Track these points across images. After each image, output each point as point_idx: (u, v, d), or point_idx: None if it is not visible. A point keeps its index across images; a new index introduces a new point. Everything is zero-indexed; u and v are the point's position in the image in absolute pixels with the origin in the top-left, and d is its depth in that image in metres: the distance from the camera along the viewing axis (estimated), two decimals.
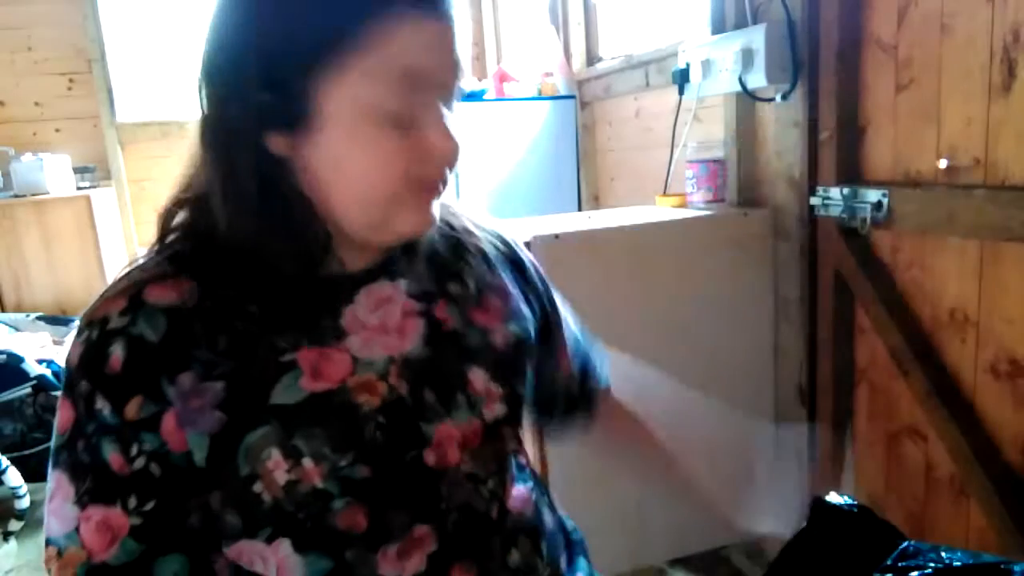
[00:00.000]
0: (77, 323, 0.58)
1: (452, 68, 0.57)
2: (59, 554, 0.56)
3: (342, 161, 0.56)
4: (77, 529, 0.55)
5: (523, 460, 0.72)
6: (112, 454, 0.55)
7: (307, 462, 0.56)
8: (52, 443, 0.58)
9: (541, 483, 0.75)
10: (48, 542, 0.57)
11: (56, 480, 0.57)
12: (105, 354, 0.55)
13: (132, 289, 0.57)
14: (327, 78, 0.54)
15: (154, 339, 0.55)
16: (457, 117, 0.60)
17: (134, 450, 0.55)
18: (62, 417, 0.57)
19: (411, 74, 0.54)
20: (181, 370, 0.56)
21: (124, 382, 0.55)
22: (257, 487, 0.56)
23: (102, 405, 0.55)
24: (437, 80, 0.57)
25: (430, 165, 0.58)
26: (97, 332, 0.55)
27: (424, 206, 0.60)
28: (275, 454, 0.56)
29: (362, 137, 0.55)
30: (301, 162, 0.57)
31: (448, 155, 0.58)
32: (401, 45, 0.54)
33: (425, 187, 0.59)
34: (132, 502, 0.56)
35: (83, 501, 0.55)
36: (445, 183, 0.61)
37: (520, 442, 0.73)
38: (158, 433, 0.55)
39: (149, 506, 0.56)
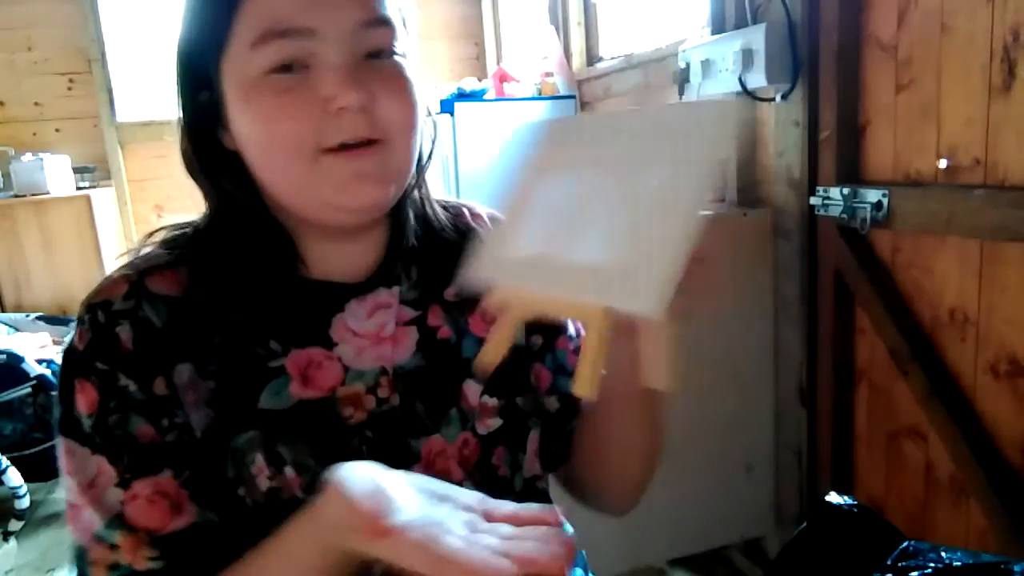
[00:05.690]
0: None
1: (332, 15, 0.53)
2: (112, 547, 0.53)
3: (247, 136, 0.56)
4: (121, 515, 0.53)
5: (543, 485, 0.68)
6: (141, 427, 0.54)
7: (289, 471, 0.56)
8: (82, 426, 0.54)
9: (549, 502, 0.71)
10: (98, 539, 0.53)
11: (97, 465, 0.54)
12: (114, 334, 0.55)
13: (133, 276, 0.57)
14: (226, 62, 0.55)
15: (158, 324, 0.56)
16: (390, 70, 0.55)
17: (165, 423, 0.55)
18: (86, 398, 0.54)
19: (274, 31, 0.52)
20: (182, 360, 0.56)
21: (140, 361, 0.54)
22: (241, 491, 0.56)
23: (126, 382, 0.54)
24: (320, 32, 0.53)
25: (336, 122, 0.53)
26: (103, 314, 0.55)
27: (345, 172, 0.54)
28: (259, 459, 0.56)
29: (251, 105, 0.54)
30: (243, 152, 0.58)
31: (339, 104, 0.52)
32: (263, 5, 0.53)
33: (342, 150, 0.54)
34: (177, 470, 0.54)
35: (126, 480, 0.53)
36: (371, 143, 0.54)
37: (528, 463, 0.67)
38: (183, 409, 0.55)
39: (187, 474, 0.54)
